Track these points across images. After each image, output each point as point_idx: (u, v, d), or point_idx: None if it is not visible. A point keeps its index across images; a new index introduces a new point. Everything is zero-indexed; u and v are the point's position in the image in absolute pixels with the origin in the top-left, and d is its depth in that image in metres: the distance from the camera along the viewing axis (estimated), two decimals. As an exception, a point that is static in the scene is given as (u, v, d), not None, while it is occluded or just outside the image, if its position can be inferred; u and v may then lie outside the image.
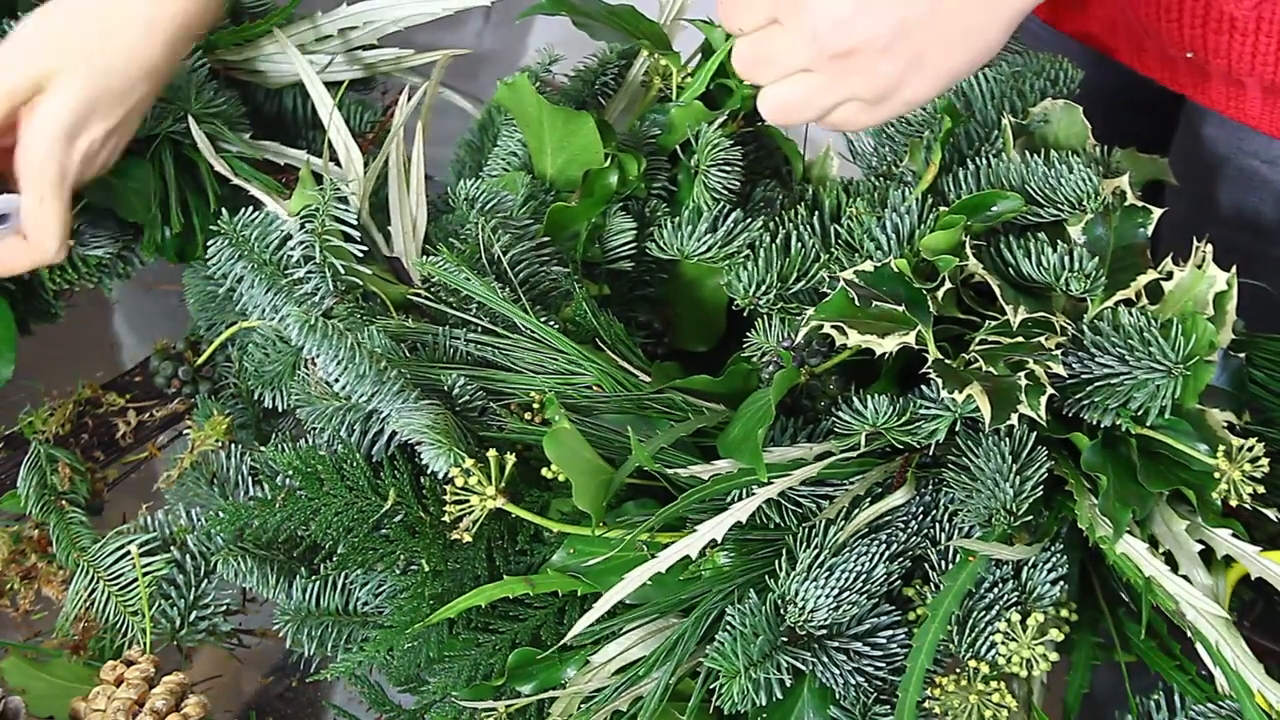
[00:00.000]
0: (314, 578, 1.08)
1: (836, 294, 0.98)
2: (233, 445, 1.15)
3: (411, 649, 1.02)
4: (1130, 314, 0.99)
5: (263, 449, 1.09)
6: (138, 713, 1.03)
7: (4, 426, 1.27)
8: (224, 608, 1.12)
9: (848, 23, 0.94)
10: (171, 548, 1.13)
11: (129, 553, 1.12)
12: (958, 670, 0.95)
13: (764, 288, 1.05)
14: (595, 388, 1.03)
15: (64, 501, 1.19)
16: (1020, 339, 0.98)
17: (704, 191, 1.13)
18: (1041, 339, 0.97)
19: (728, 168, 1.14)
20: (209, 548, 1.12)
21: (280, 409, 1.15)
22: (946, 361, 0.97)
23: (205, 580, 1.12)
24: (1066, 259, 1.01)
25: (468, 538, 0.97)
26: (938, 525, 1.00)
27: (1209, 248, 1.01)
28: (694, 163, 1.16)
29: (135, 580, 1.11)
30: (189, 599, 1.12)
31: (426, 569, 1.01)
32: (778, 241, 1.07)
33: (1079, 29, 1.35)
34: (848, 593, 0.94)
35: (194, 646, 1.13)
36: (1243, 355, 1.03)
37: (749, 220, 1.11)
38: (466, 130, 1.31)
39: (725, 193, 1.13)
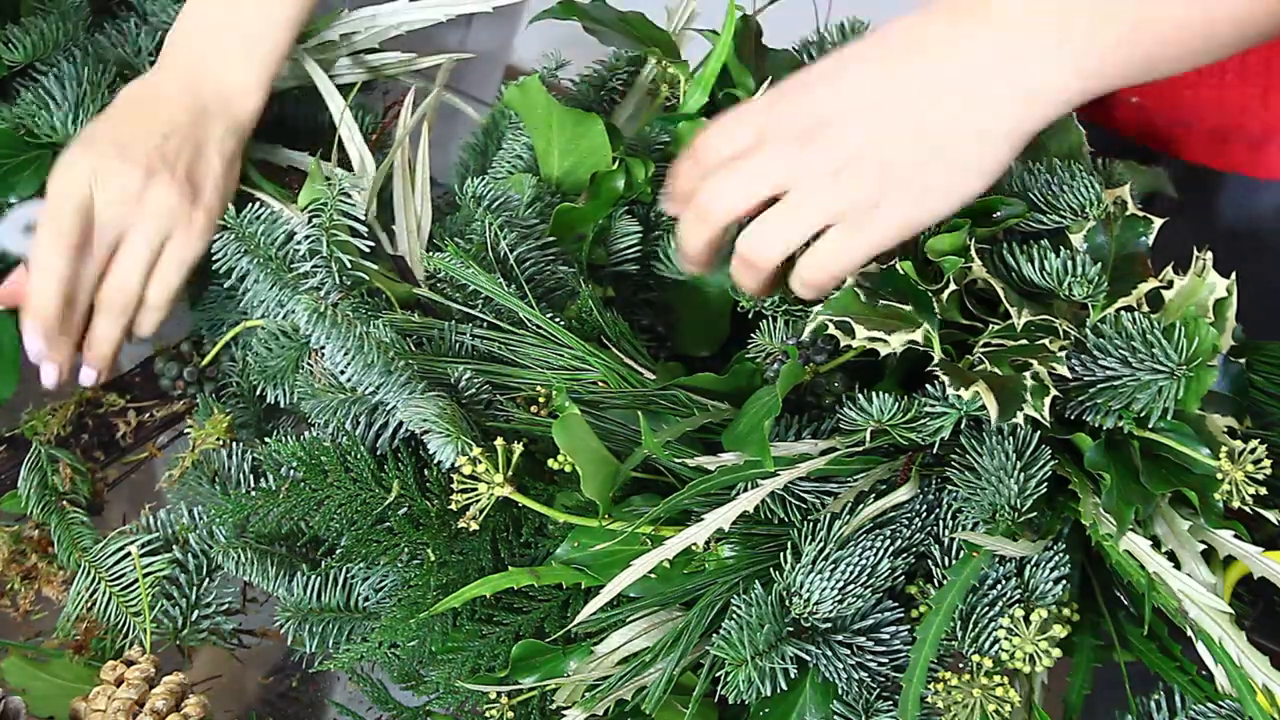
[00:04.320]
0: (315, 573, 1.08)
1: (844, 291, 0.99)
2: (234, 444, 1.15)
3: (415, 641, 1.02)
4: (1133, 318, 1.00)
5: (267, 441, 1.09)
6: (138, 713, 1.03)
7: (4, 428, 1.27)
8: (225, 607, 1.12)
9: (801, 94, 0.96)
10: (174, 547, 1.13)
11: (130, 553, 1.12)
12: (960, 667, 0.96)
13: None
14: (601, 384, 1.04)
15: (65, 502, 1.19)
16: (1024, 341, 0.98)
17: None
18: (1045, 342, 0.98)
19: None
20: (211, 546, 1.12)
21: (282, 406, 1.15)
22: (951, 363, 0.98)
23: (207, 579, 1.12)
24: (1069, 264, 1.02)
25: (474, 526, 0.97)
26: (941, 523, 1.00)
27: (1209, 255, 1.02)
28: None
29: (136, 580, 1.10)
30: (190, 599, 1.11)
31: (432, 558, 1.01)
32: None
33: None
34: (852, 586, 0.95)
35: (195, 646, 1.13)
36: (1243, 360, 1.04)
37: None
38: (457, 125, 1.31)
39: None
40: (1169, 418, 0.98)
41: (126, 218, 1.18)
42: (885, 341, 0.97)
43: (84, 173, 1.17)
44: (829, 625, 0.97)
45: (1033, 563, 0.99)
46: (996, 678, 0.94)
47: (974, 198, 0.95)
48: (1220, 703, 0.96)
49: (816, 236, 0.97)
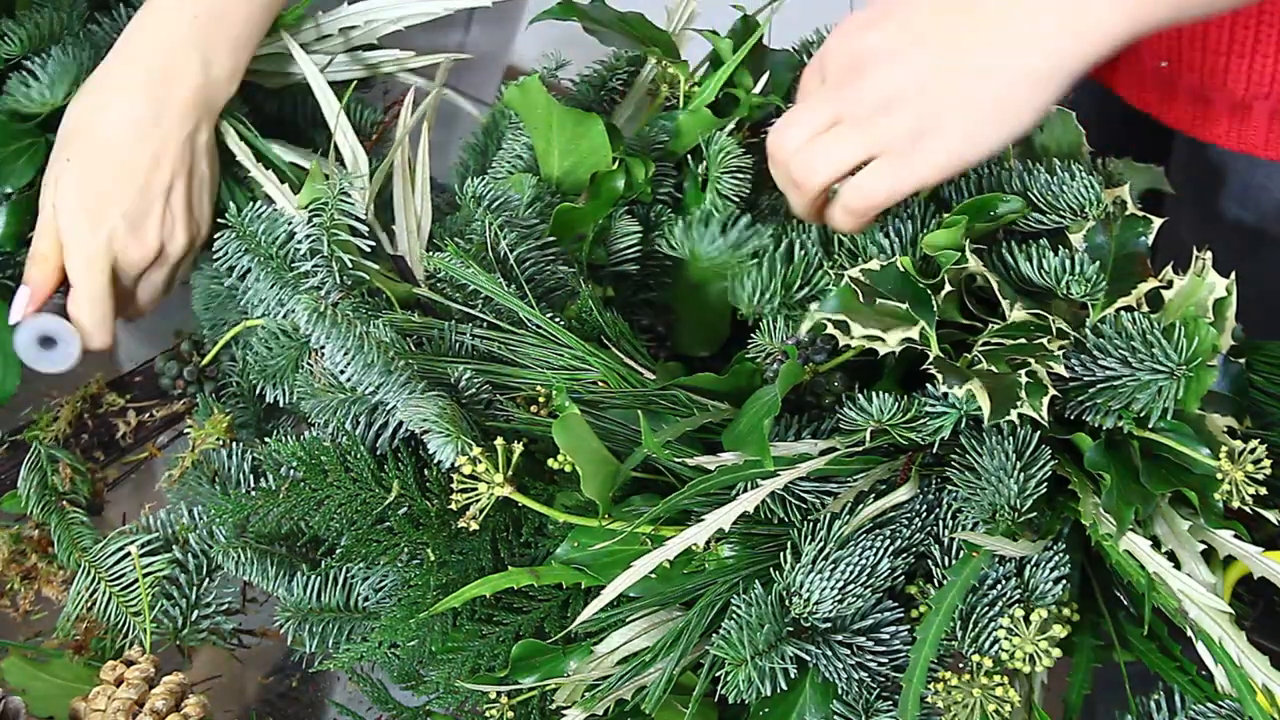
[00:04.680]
0: (315, 573, 1.08)
1: (841, 289, 0.99)
2: (234, 444, 1.15)
3: (415, 641, 1.02)
4: (1133, 318, 1.00)
5: (267, 441, 1.09)
6: (138, 713, 1.03)
7: (4, 428, 1.27)
8: (225, 607, 1.12)
9: (853, 33, 0.98)
10: (174, 547, 1.13)
11: (130, 553, 1.12)
12: (960, 667, 0.96)
13: (768, 295, 1.06)
14: (601, 384, 1.04)
15: (65, 502, 1.19)
16: (1022, 340, 0.98)
17: (717, 197, 1.14)
18: (1044, 340, 0.98)
19: (740, 174, 1.15)
20: (211, 546, 1.12)
21: (282, 406, 1.15)
22: (948, 360, 0.98)
23: (207, 579, 1.12)
24: (1068, 262, 1.02)
25: (474, 525, 0.97)
26: (941, 523, 1.00)
27: (1209, 255, 1.02)
28: (702, 170, 1.17)
29: (136, 580, 1.10)
30: (190, 599, 1.11)
31: (432, 558, 1.01)
32: (781, 249, 1.08)
33: None
34: (852, 586, 0.95)
35: (195, 646, 1.13)
36: (1243, 360, 1.04)
37: (758, 227, 1.12)
38: (458, 126, 1.31)
39: (737, 199, 1.14)
40: (1169, 418, 0.98)
41: (152, 268, 1.25)
42: (883, 340, 0.97)
43: (104, 249, 1.21)
44: (829, 625, 0.97)
45: (1033, 563, 0.99)
46: (996, 678, 0.94)
47: (1021, 135, 0.97)
48: (1220, 703, 0.96)
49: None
